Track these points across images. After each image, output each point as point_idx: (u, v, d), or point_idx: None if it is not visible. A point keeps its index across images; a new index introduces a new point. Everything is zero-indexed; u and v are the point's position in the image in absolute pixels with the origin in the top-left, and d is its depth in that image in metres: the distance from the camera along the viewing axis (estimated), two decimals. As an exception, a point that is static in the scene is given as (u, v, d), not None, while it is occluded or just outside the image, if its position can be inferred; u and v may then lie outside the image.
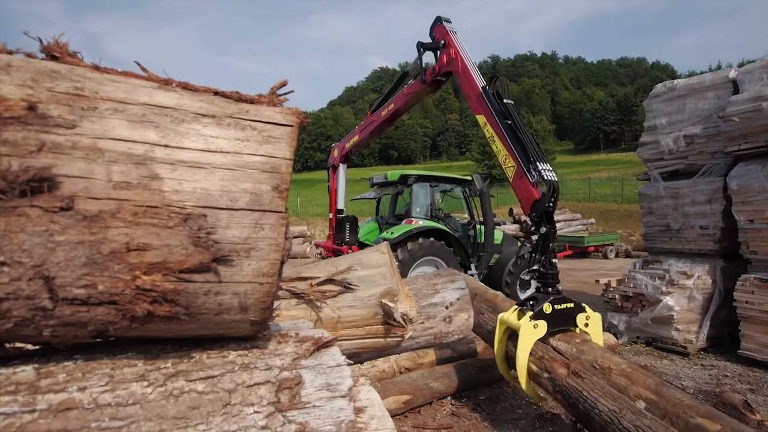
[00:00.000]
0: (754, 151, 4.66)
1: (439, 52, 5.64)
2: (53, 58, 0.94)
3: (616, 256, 16.51)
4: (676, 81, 5.94)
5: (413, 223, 7.30)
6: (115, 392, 0.95)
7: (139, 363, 1.03)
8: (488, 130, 4.45)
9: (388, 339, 3.43)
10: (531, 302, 3.23)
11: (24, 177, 0.83)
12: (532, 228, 3.70)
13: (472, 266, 7.52)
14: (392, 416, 2.01)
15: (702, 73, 6.22)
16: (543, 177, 3.79)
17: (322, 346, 1.24)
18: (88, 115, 0.90)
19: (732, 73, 5.22)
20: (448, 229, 7.43)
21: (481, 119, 4.59)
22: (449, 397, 3.74)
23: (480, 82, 4.82)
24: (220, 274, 0.99)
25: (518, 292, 7.29)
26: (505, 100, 4.42)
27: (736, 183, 4.80)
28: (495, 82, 4.63)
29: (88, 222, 0.88)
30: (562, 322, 3.15)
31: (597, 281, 6.21)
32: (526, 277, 3.66)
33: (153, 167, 0.93)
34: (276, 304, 1.17)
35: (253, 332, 1.16)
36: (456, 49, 5.32)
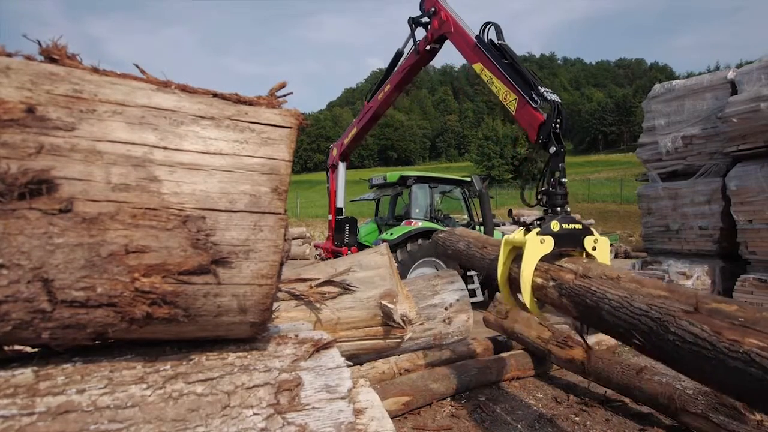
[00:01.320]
0: (752, 151, 4.67)
1: (430, 20, 5.75)
2: (52, 60, 0.94)
3: (616, 256, 16.53)
4: (674, 82, 5.96)
5: (412, 224, 7.30)
6: (114, 394, 0.94)
7: (138, 365, 1.03)
8: (486, 74, 4.54)
9: (387, 340, 3.43)
10: (538, 221, 3.17)
11: (23, 179, 0.83)
12: (541, 149, 3.70)
13: (472, 267, 7.51)
14: (392, 417, 2.01)
15: (700, 74, 6.24)
16: (546, 98, 3.82)
17: (321, 347, 1.24)
18: (87, 118, 0.90)
19: (730, 74, 5.23)
20: (447, 230, 7.43)
21: (477, 67, 4.66)
22: (449, 398, 3.74)
23: (472, 33, 4.90)
24: (219, 276, 0.99)
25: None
26: (499, 43, 4.47)
27: (735, 183, 4.81)
28: (488, 29, 4.66)
29: (87, 224, 0.88)
30: (569, 243, 3.07)
31: (596, 282, 6.20)
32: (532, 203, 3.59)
33: (152, 169, 0.93)
34: (275, 305, 1.17)
35: (252, 334, 1.16)
36: (446, 11, 5.43)
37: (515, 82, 4.14)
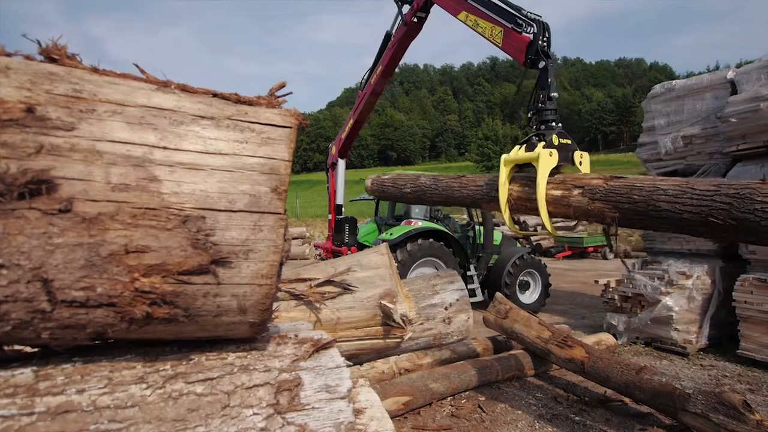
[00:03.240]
0: (752, 151, 4.67)
1: None
2: (52, 60, 0.94)
3: (615, 256, 16.52)
4: (674, 82, 5.96)
5: (412, 224, 7.30)
6: (114, 394, 0.94)
7: (138, 365, 1.03)
8: (470, 20, 4.67)
9: (387, 340, 3.44)
10: (536, 137, 3.16)
11: (22, 179, 0.83)
12: (530, 66, 3.82)
13: (472, 267, 7.51)
14: (392, 417, 2.01)
15: (700, 73, 6.24)
16: (530, 19, 3.97)
17: (321, 347, 1.24)
18: (86, 117, 0.90)
19: (730, 74, 5.23)
20: (447, 230, 7.43)
21: (462, 16, 4.79)
22: (449, 398, 3.74)
23: None
24: (219, 276, 0.99)
25: (518, 293, 7.30)
26: None
27: (735, 183, 4.81)
28: None
29: (86, 224, 0.88)
30: (565, 157, 3.10)
31: (596, 282, 6.21)
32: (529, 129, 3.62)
33: (152, 169, 0.93)
34: (275, 305, 1.17)
35: (252, 334, 1.16)
36: None
37: (500, 15, 4.27)
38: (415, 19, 6.22)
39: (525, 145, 3.19)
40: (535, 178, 2.96)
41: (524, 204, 3.15)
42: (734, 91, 5.04)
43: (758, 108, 4.46)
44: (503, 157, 3.26)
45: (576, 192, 2.76)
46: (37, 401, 0.88)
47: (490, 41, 4.44)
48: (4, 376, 0.92)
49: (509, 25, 4.13)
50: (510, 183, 3.23)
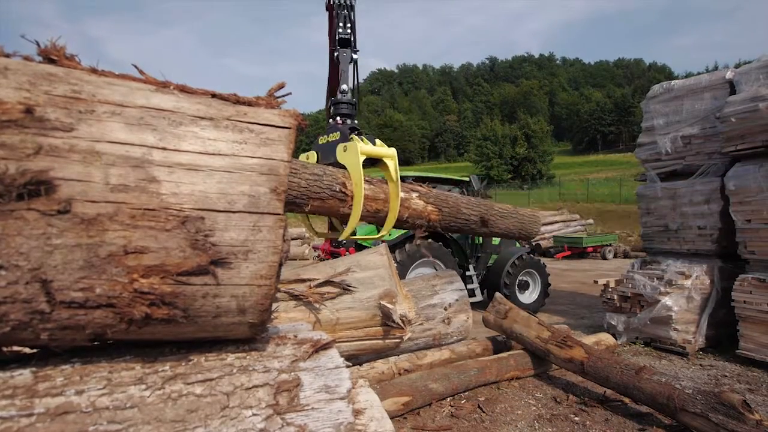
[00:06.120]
0: (751, 151, 4.68)
1: None
2: (51, 61, 0.94)
3: (615, 256, 16.53)
4: (673, 82, 5.96)
5: (412, 224, 7.29)
6: (113, 395, 0.94)
7: (137, 366, 1.03)
8: None
9: (387, 340, 3.44)
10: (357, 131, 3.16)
11: (21, 180, 0.83)
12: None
13: (471, 267, 7.52)
14: (391, 418, 2.01)
15: (699, 74, 6.24)
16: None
17: (320, 348, 1.23)
18: (85, 118, 0.90)
19: (729, 74, 5.24)
20: (446, 231, 7.43)
21: None
22: (449, 398, 3.74)
23: None
24: (218, 277, 0.99)
25: (517, 293, 7.31)
26: None
27: (734, 183, 4.81)
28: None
29: (85, 225, 0.87)
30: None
31: (595, 282, 6.22)
32: None
33: (150, 170, 0.93)
34: (274, 306, 1.17)
35: (251, 334, 1.16)
36: None
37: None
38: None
39: (357, 138, 3.08)
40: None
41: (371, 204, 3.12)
42: (733, 91, 5.05)
43: (757, 108, 4.46)
44: (360, 146, 3.02)
45: (414, 195, 2.95)
46: (36, 402, 0.88)
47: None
48: (3, 377, 0.92)
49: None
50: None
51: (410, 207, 2.96)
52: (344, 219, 2.82)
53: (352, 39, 3.62)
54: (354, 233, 3.00)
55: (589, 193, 32.40)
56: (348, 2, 3.69)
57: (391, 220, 2.89)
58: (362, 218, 2.78)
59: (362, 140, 2.98)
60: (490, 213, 3.45)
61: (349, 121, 3.26)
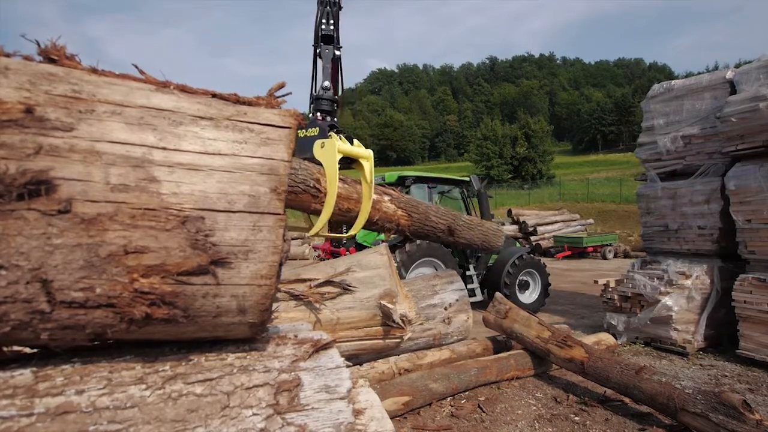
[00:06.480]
0: (751, 151, 4.67)
1: None
2: (51, 61, 0.94)
3: (615, 256, 16.53)
4: (673, 82, 5.96)
5: (412, 224, 7.29)
6: (114, 395, 0.94)
7: (138, 366, 1.03)
8: None
9: (387, 340, 3.44)
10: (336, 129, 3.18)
11: (21, 180, 0.83)
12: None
13: (471, 267, 7.51)
14: (391, 418, 2.01)
15: (699, 73, 6.24)
16: None
17: (320, 347, 1.23)
18: (85, 118, 0.90)
19: (729, 74, 5.23)
20: (446, 230, 7.43)
21: None
22: (449, 398, 3.74)
23: None
24: (219, 277, 0.99)
25: (517, 293, 7.31)
26: None
27: (734, 183, 4.81)
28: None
29: (85, 225, 0.87)
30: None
31: (596, 282, 6.22)
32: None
33: (151, 170, 0.93)
34: (274, 306, 1.17)
35: (251, 334, 1.16)
36: None
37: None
38: None
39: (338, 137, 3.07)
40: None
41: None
42: (733, 91, 5.04)
43: (757, 108, 4.46)
44: (338, 144, 3.00)
45: (386, 198, 2.95)
46: (37, 402, 0.88)
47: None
48: (4, 377, 0.92)
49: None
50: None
51: (381, 209, 3.00)
52: (316, 215, 2.86)
53: (335, 36, 3.62)
54: (326, 230, 3.06)
55: (589, 193, 32.38)
56: None
57: (361, 220, 2.93)
58: (333, 216, 2.80)
59: (341, 138, 2.98)
60: (457, 223, 3.55)
61: (329, 118, 3.29)
